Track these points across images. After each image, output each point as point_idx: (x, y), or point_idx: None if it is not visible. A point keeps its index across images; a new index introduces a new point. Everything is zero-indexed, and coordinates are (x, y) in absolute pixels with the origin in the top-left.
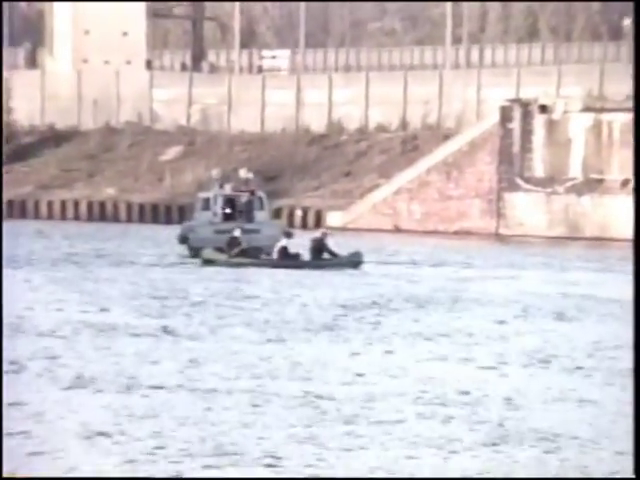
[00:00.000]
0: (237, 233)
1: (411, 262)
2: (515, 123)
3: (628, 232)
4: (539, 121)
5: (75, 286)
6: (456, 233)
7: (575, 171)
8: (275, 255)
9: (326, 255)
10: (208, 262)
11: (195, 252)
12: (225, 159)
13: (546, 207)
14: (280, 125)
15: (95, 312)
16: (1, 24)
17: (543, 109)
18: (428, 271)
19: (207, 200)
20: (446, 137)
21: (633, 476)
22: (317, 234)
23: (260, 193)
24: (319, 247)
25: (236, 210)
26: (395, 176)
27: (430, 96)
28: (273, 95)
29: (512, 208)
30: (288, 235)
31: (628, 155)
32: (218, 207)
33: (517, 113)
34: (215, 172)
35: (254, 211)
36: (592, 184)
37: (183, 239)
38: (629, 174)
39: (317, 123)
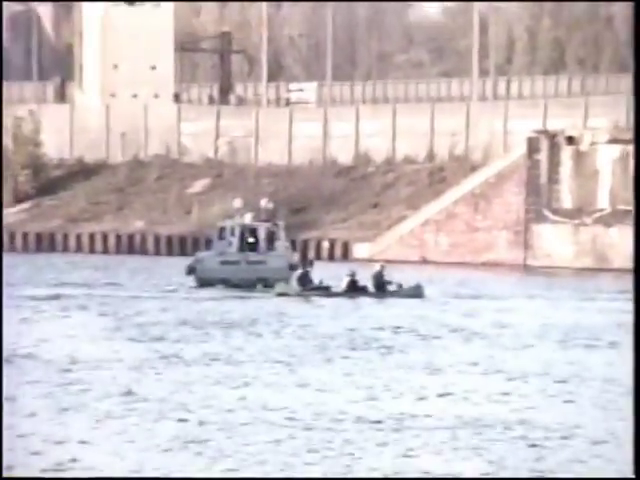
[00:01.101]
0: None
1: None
2: (542, 154)
3: None
4: (566, 152)
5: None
6: (483, 264)
7: (603, 202)
8: (344, 287)
9: (389, 287)
10: (281, 294)
11: (202, 283)
12: (252, 191)
13: (573, 238)
14: (307, 157)
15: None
16: (1, 24)
17: (570, 140)
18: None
19: (223, 229)
20: (473, 169)
21: (633, 476)
22: (377, 268)
23: (278, 223)
24: (380, 279)
25: (256, 239)
26: (422, 207)
27: (457, 128)
28: (300, 127)
29: (539, 239)
30: (310, 264)
31: None
32: (234, 237)
33: (544, 144)
34: (237, 202)
35: (274, 241)
36: (620, 215)
37: (190, 270)
38: None
39: (344, 155)
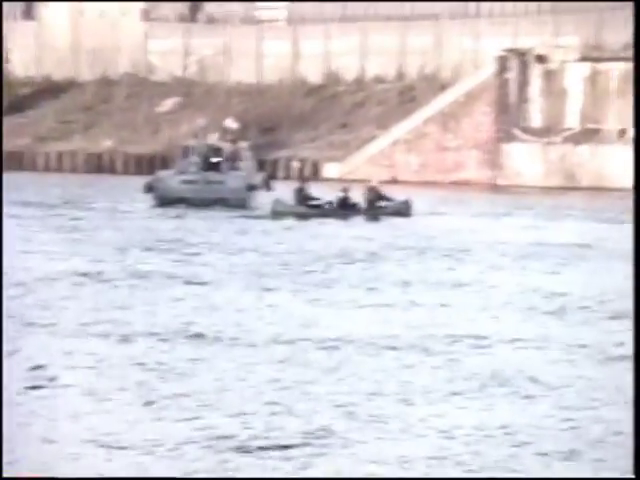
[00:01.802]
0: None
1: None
2: (512, 73)
3: (624, 181)
4: (536, 71)
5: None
6: (453, 184)
7: (572, 121)
8: (333, 206)
9: (381, 203)
10: (277, 214)
11: (161, 202)
12: (222, 110)
13: (543, 157)
14: (277, 76)
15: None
16: (1, 24)
17: (540, 59)
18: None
19: (186, 149)
20: (443, 88)
21: (633, 476)
22: (372, 183)
23: (243, 143)
24: (373, 195)
25: (221, 159)
26: (392, 127)
27: (427, 46)
28: (270, 46)
29: (509, 158)
30: (267, 186)
31: (625, 105)
32: (196, 157)
33: (514, 63)
34: (201, 121)
35: (237, 161)
36: (589, 134)
37: (148, 188)
38: (626, 124)
39: (314, 74)
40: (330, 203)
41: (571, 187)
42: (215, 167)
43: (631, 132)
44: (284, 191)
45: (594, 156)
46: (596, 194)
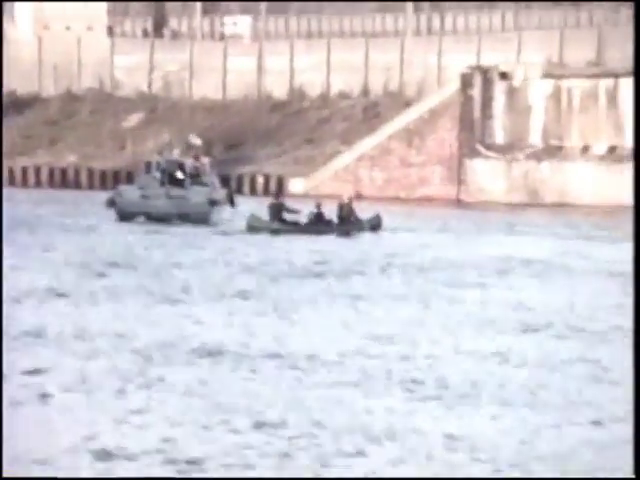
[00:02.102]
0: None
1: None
2: (476, 90)
3: (586, 198)
4: (499, 88)
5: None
6: (418, 199)
7: (535, 138)
8: (307, 221)
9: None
10: (252, 229)
11: (122, 216)
12: (187, 126)
13: (506, 173)
14: (242, 92)
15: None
16: (1, 23)
17: (503, 76)
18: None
19: (149, 164)
20: (407, 104)
21: (633, 476)
22: (345, 200)
23: (205, 159)
24: (346, 212)
25: (183, 174)
26: (357, 143)
27: (391, 63)
28: (235, 62)
29: (472, 174)
30: (231, 202)
31: (587, 121)
32: (158, 172)
33: (477, 80)
34: (165, 136)
35: (200, 176)
36: (552, 151)
37: (110, 203)
38: (588, 140)
39: (279, 90)
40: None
41: (534, 204)
42: (178, 182)
43: (593, 149)
44: (250, 207)
45: (557, 173)
46: (559, 211)
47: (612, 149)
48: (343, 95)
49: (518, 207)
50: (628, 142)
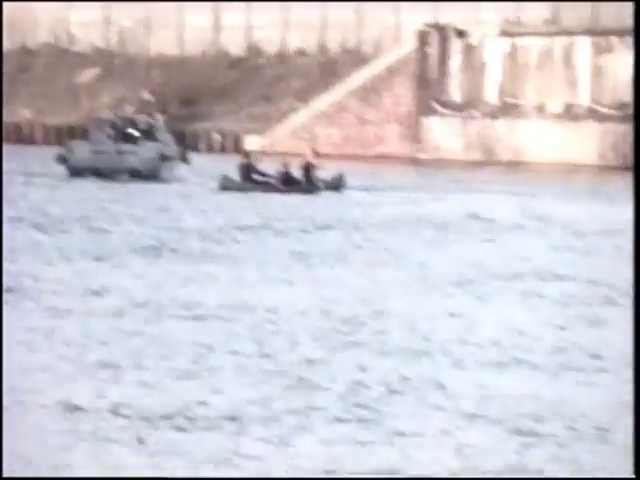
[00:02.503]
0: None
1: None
2: (432, 48)
3: (542, 156)
4: (456, 46)
5: None
6: (375, 157)
7: (491, 96)
8: (276, 181)
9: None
10: (225, 189)
11: (72, 172)
12: (143, 82)
13: (462, 131)
14: (199, 48)
15: None
16: (1, 23)
17: (460, 34)
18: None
19: (102, 121)
20: (364, 61)
21: (633, 476)
22: (309, 159)
23: (159, 115)
24: (311, 171)
25: (136, 130)
26: (313, 100)
27: (349, 20)
28: (191, 18)
29: (429, 132)
30: (184, 160)
31: (543, 80)
32: (110, 128)
33: (434, 38)
34: (119, 92)
35: (152, 133)
36: (507, 109)
37: (60, 159)
38: (544, 99)
39: (236, 46)
40: (274, 178)
41: (490, 161)
42: (129, 138)
43: (549, 107)
44: (205, 163)
45: (513, 131)
46: (514, 168)
47: (568, 107)
48: (300, 52)
49: (474, 165)
50: (583, 100)
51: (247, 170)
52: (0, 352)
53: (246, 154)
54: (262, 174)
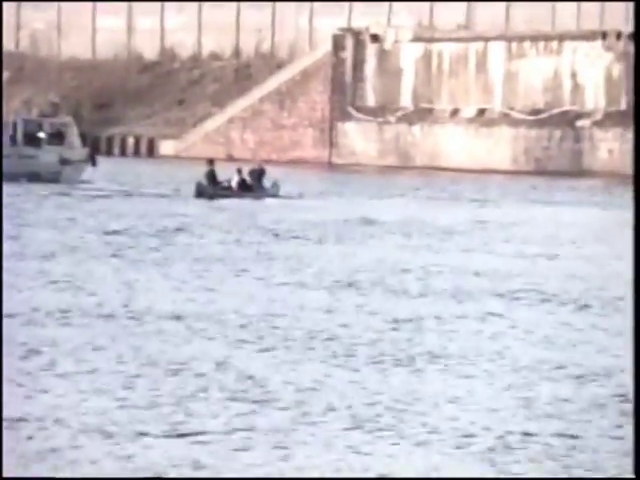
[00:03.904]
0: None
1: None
2: (347, 52)
3: (456, 161)
4: (371, 50)
5: None
6: (290, 162)
7: (406, 100)
8: (235, 187)
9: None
10: (200, 195)
11: None
12: (55, 85)
13: (377, 136)
14: (112, 52)
15: None
16: (1, 23)
17: (375, 38)
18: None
19: (6, 124)
20: (279, 66)
21: (633, 476)
22: (256, 166)
23: (66, 118)
24: (257, 176)
25: (41, 134)
26: (228, 105)
27: (263, 24)
28: (104, 21)
29: (344, 137)
30: (92, 161)
31: (457, 85)
32: (14, 131)
33: (349, 42)
34: (25, 95)
35: (60, 136)
36: (422, 113)
37: None
38: (458, 104)
39: (149, 50)
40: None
41: (406, 166)
42: (34, 142)
43: (463, 112)
44: (116, 167)
45: (427, 136)
46: (429, 173)
47: (481, 112)
48: (214, 56)
49: (389, 170)
50: (496, 105)
51: (213, 177)
52: (0, 352)
53: (210, 162)
54: (222, 183)
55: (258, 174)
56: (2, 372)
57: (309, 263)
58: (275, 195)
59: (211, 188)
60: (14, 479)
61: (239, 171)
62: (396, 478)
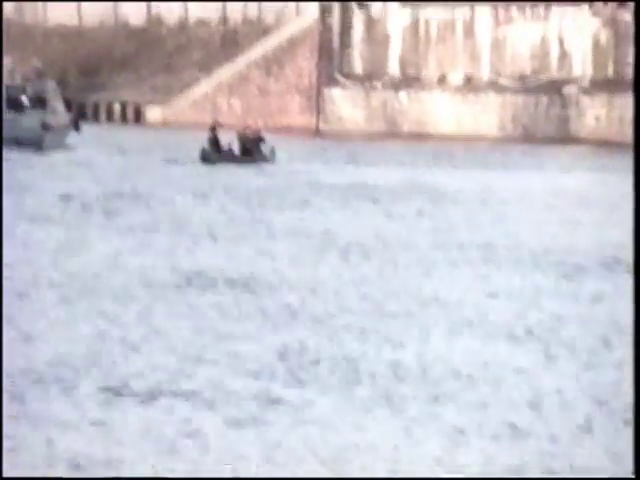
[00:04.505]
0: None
1: None
2: (334, 19)
3: (444, 128)
4: (358, 17)
5: None
6: (277, 128)
7: (393, 67)
8: (237, 152)
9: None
10: (205, 161)
11: None
12: (41, 52)
13: (364, 102)
14: (98, 18)
15: None
16: (1, 24)
17: (362, 5)
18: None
19: None
20: (266, 32)
21: (633, 476)
22: (253, 132)
23: (49, 83)
24: (255, 141)
25: (24, 98)
26: (215, 71)
27: None
28: None
29: (331, 103)
30: (76, 127)
31: (444, 52)
32: None
33: (336, 9)
34: (7, 60)
35: (43, 101)
36: (409, 80)
37: None
38: (445, 70)
39: (136, 17)
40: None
41: (393, 133)
42: (18, 107)
43: (450, 79)
44: (101, 133)
45: (414, 102)
46: (417, 140)
47: (468, 79)
48: (201, 23)
49: (376, 136)
50: (484, 72)
51: (216, 143)
52: (0, 350)
53: (213, 128)
54: (223, 148)
55: (257, 141)
56: (2, 371)
57: None
58: (271, 161)
59: (215, 154)
60: (14, 479)
61: (240, 137)
62: (400, 478)
